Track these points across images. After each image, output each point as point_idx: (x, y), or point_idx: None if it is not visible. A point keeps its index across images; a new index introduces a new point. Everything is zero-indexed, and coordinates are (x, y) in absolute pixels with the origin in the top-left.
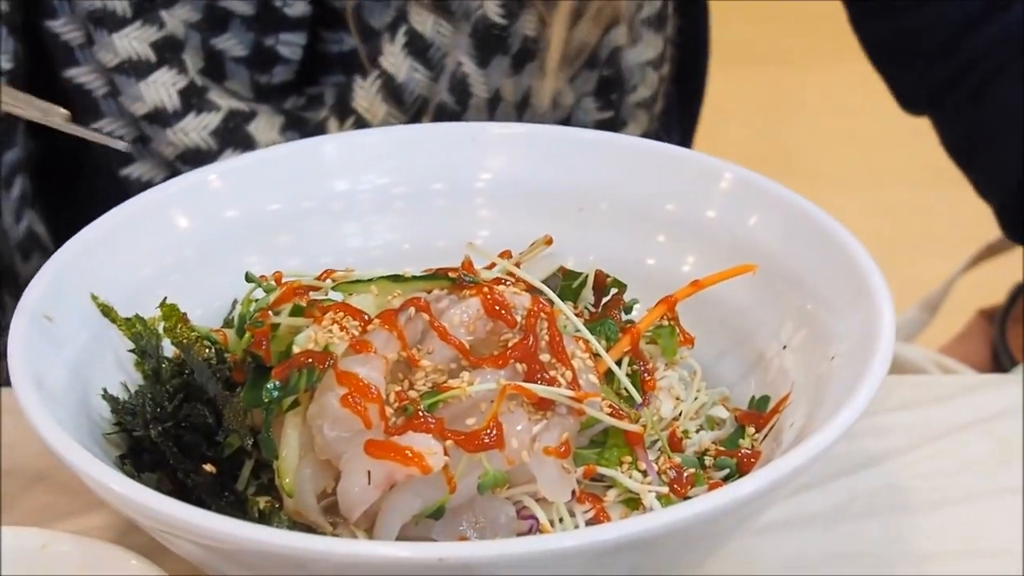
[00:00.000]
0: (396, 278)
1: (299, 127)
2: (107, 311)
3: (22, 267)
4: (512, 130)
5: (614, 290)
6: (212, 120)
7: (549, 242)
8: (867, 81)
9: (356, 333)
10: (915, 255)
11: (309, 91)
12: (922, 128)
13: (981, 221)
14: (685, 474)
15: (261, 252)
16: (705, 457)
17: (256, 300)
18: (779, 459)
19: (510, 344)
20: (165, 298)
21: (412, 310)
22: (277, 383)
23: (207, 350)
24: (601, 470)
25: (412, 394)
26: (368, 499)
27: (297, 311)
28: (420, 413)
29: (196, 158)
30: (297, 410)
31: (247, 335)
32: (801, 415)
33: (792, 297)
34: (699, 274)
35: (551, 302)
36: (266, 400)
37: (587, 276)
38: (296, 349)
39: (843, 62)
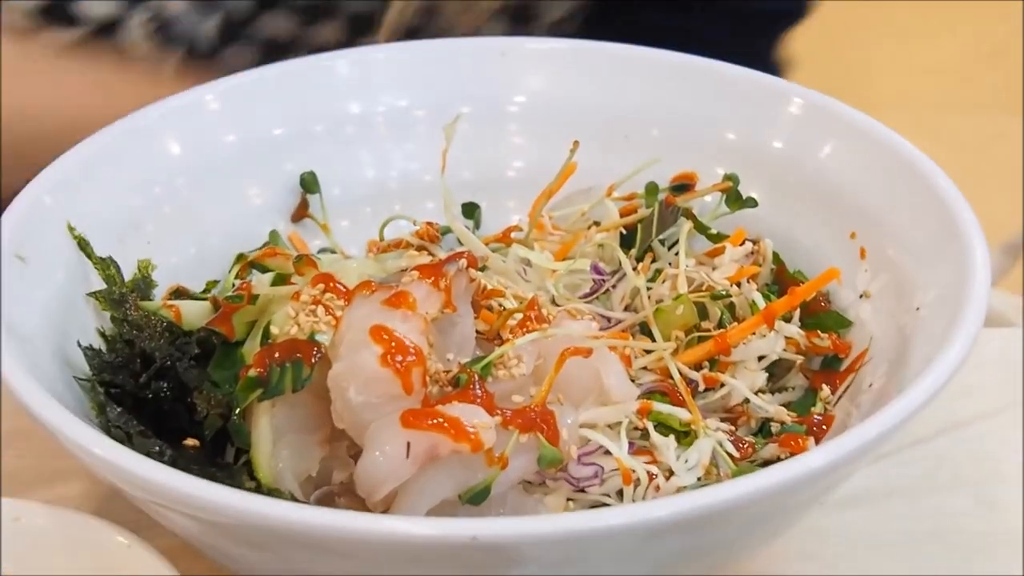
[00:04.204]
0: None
1: None
2: (83, 244)
3: None
4: (549, 45)
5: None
6: None
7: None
8: (937, 3)
9: (340, 315)
10: (990, 191)
11: None
12: (1000, 49)
13: None
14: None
15: (263, 183)
16: (771, 424)
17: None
18: (858, 426)
19: None
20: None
21: (463, 262)
22: (257, 379)
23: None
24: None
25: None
26: (402, 475)
27: (279, 281)
28: (474, 382)
29: None
30: None
31: (206, 306)
32: (881, 374)
33: (870, 240)
34: (764, 213)
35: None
36: (242, 397)
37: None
38: (275, 331)
39: None
